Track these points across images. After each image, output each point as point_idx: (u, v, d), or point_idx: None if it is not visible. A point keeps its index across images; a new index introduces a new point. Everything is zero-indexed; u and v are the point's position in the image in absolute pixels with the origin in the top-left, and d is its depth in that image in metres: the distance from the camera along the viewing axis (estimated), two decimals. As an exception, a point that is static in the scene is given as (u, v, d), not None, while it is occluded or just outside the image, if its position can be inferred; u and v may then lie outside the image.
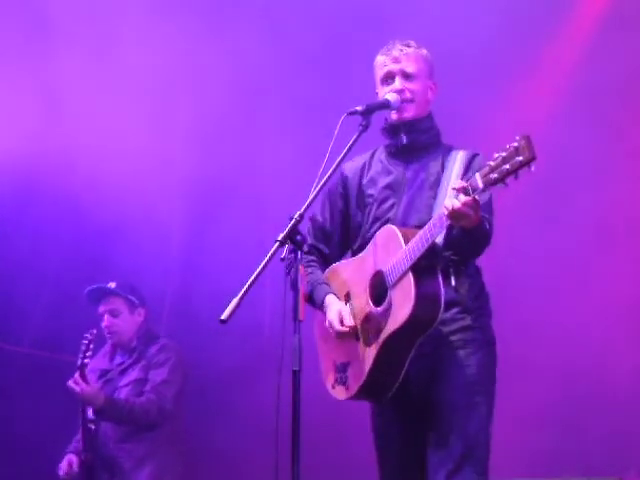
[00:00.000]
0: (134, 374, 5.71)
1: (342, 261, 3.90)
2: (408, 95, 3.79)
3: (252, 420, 6.16)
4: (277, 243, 3.36)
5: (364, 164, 3.93)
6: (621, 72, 6.11)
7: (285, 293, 3.34)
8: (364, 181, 3.89)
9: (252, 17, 6.55)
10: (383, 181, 3.84)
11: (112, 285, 5.85)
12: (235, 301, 3.26)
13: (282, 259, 3.34)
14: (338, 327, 3.69)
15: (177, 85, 6.62)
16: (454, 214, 3.34)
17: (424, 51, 3.88)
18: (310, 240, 3.96)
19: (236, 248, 6.30)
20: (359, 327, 3.69)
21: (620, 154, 6.13)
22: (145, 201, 6.43)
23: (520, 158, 3.13)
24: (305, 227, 3.67)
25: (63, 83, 6.36)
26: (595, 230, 6.12)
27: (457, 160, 3.70)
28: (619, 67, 6.11)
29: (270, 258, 3.34)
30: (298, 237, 3.38)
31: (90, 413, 5.55)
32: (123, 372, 5.76)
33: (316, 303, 3.83)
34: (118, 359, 5.85)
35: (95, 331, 5.60)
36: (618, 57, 6.12)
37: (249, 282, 3.30)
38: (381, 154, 3.91)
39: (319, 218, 3.98)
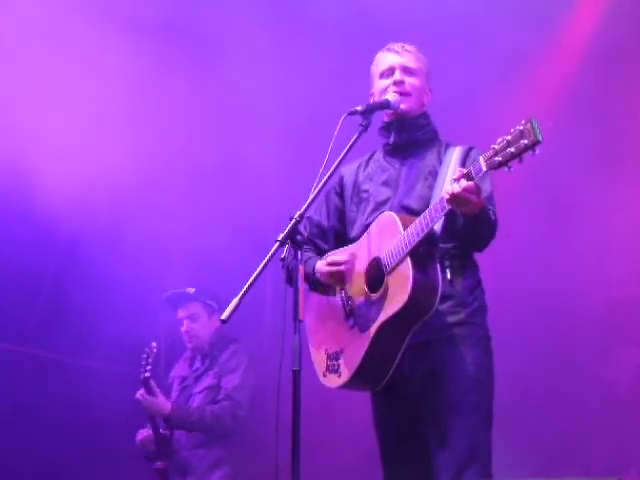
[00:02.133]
0: (207, 381, 5.71)
1: (336, 250, 3.90)
2: (407, 88, 3.81)
3: (252, 420, 6.15)
4: (277, 243, 3.36)
5: (360, 164, 3.97)
6: (622, 71, 6.12)
7: (285, 293, 3.33)
8: (360, 178, 3.92)
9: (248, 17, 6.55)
10: (379, 178, 3.86)
11: (191, 290, 5.87)
12: (235, 301, 3.26)
13: (282, 259, 3.34)
14: (342, 257, 3.68)
15: (173, 85, 6.62)
16: (455, 199, 3.33)
17: (423, 57, 3.92)
18: (306, 234, 3.93)
19: (236, 247, 6.30)
20: (355, 312, 3.68)
21: (621, 154, 6.14)
22: (145, 200, 6.43)
23: (525, 141, 3.13)
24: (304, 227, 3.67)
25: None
26: (595, 230, 6.12)
27: (454, 154, 3.71)
28: (620, 66, 6.12)
29: (270, 258, 3.35)
30: (298, 237, 3.39)
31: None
32: (198, 378, 5.77)
33: (309, 274, 3.80)
34: (196, 365, 5.87)
35: (155, 344, 5.64)
36: (619, 57, 6.13)
37: (249, 282, 3.30)
38: (379, 154, 3.94)
39: (315, 217, 4.01)
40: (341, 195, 3.96)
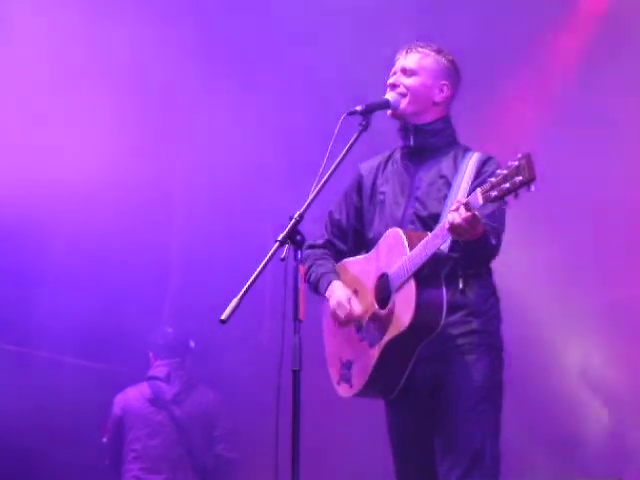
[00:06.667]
0: None
1: (352, 258, 3.89)
2: (401, 89, 3.77)
3: (252, 420, 6.16)
4: (277, 243, 3.35)
5: (379, 163, 3.92)
6: (623, 71, 6.12)
7: (285, 293, 3.33)
8: (378, 179, 3.88)
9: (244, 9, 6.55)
10: (395, 181, 3.82)
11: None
12: (235, 301, 3.25)
13: (282, 259, 3.34)
14: (347, 305, 3.64)
15: (173, 85, 6.62)
16: (454, 228, 3.35)
17: (440, 54, 3.82)
18: (327, 235, 3.95)
19: (236, 247, 6.30)
20: (364, 326, 3.69)
21: (621, 155, 6.13)
22: (145, 199, 6.43)
23: (520, 178, 3.12)
24: (304, 227, 3.67)
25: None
26: (595, 231, 6.12)
27: (470, 162, 3.66)
28: (620, 66, 6.12)
29: (270, 258, 3.34)
30: (298, 237, 3.38)
31: None
32: None
33: (321, 289, 3.79)
34: None
35: None
36: (620, 57, 6.13)
37: (249, 282, 3.29)
38: (397, 154, 3.90)
39: (336, 215, 3.95)
40: (360, 193, 3.92)
